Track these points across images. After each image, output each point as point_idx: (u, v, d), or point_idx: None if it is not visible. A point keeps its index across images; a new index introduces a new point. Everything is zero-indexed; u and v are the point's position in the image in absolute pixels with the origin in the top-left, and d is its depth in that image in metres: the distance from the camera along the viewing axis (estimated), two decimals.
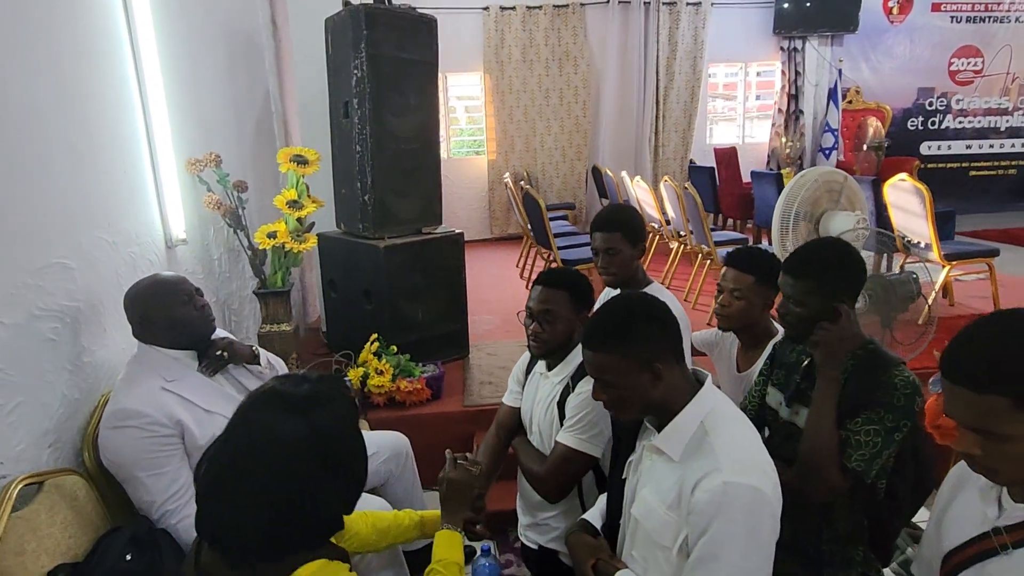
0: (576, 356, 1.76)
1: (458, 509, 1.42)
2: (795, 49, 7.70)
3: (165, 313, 1.68)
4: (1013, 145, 8.50)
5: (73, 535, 1.43)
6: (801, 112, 7.79)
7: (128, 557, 1.37)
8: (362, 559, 1.78)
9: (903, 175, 3.85)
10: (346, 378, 2.87)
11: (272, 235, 2.61)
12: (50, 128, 1.63)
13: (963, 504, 1.08)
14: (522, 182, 6.05)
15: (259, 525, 0.95)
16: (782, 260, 1.58)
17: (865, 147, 7.24)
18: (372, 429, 2.45)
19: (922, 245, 3.86)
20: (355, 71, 2.99)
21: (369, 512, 1.49)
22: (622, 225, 2.01)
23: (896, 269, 3.77)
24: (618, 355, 1.17)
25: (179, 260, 2.35)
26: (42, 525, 1.36)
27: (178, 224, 2.31)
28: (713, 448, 1.12)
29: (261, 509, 0.94)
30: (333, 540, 1.10)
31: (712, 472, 1.09)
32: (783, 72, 7.75)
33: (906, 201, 3.82)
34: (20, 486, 1.34)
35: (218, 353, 1.79)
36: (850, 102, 7.90)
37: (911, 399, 1.34)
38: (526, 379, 1.93)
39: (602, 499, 1.50)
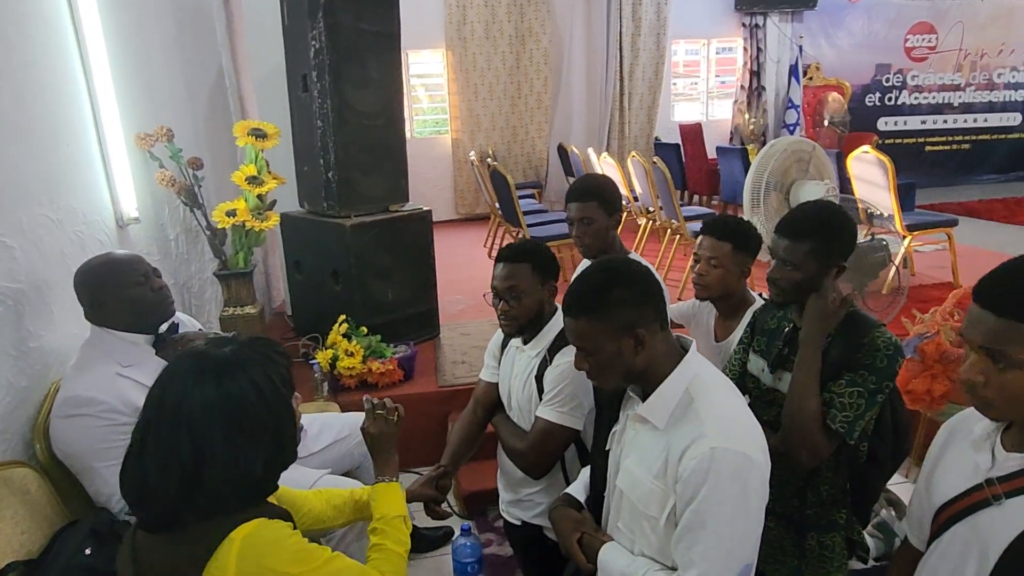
0: (552, 328, 1.72)
1: (389, 459, 1.39)
2: (756, 26, 7.76)
3: (119, 294, 1.57)
4: (966, 120, 8.76)
5: (26, 530, 1.34)
6: (763, 89, 7.87)
7: (88, 551, 1.29)
8: (342, 539, 1.73)
9: (866, 147, 3.90)
10: (314, 361, 2.79)
11: (231, 213, 2.50)
12: None
13: (954, 458, 1.08)
14: (488, 159, 5.96)
15: (169, 488, 0.94)
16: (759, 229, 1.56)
17: (827, 122, 7.35)
18: (344, 412, 2.38)
19: (885, 216, 3.92)
20: (313, 42, 2.87)
21: (324, 489, 1.45)
22: (597, 194, 1.97)
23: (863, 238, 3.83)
24: (599, 322, 1.13)
25: (132, 240, 2.22)
26: None
27: (129, 202, 2.18)
28: (699, 414, 1.10)
29: (171, 472, 0.94)
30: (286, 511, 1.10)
31: (699, 438, 1.07)
32: (745, 49, 7.81)
33: (869, 173, 3.88)
34: None
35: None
36: (810, 79, 8.01)
37: (893, 360, 1.34)
38: (502, 354, 1.89)
39: (585, 472, 1.47)
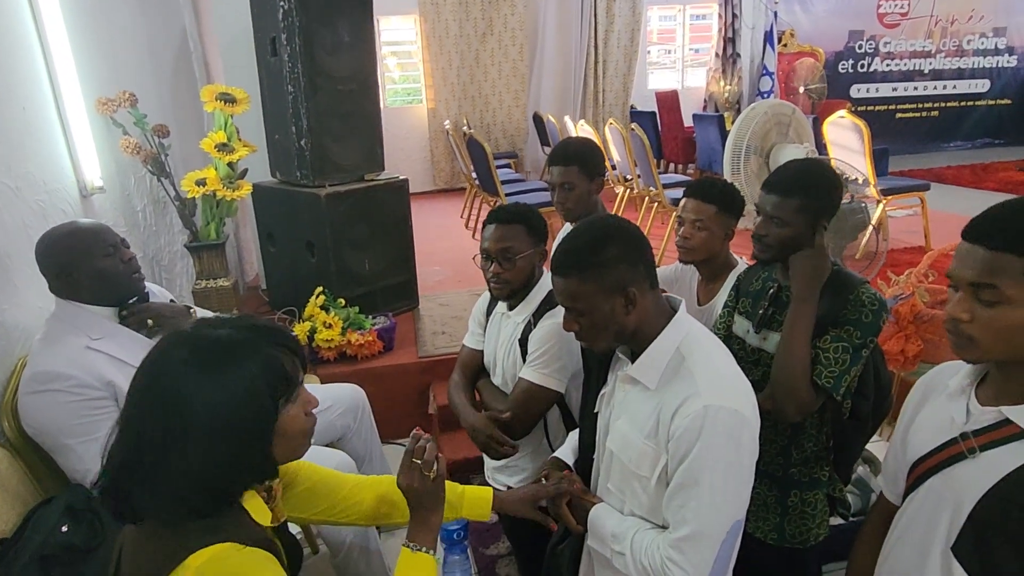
0: (538, 293, 1.70)
1: (426, 521, 1.10)
2: None
3: (87, 266, 1.50)
4: (936, 87, 8.86)
5: None
6: (738, 56, 7.84)
7: (64, 528, 1.25)
8: (347, 554, 1.70)
9: (842, 112, 3.92)
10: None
11: (201, 183, 2.41)
12: None
13: (930, 413, 1.09)
14: (464, 128, 5.87)
15: (133, 467, 0.83)
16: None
17: (803, 89, 7.36)
18: (323, 384, 2.35)
19: (860, 181, 3.96)
20: (281, 3, 2.75)
21: (375, 480, 1.29)
22: (578, 158, 1.94)
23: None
24: (591, 281, 1.10)
25: (97, 210, 2.14)
26: None
27: (93, 171, 2.09)
28: (691, 373, 1.09)
29: (137, 450, 0.83)
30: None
31: (692, 396, 1.06)
32: (720, 15, 7.74)
33: (845, 138, 3.90)
34: None
35: (146, 322, 1.63)
36: (785, 45, 8.00)
37: (878, 315, 1.35)
38: (487, 320, 1.87)
39: (573, 436, 1.46)
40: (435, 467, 1.10)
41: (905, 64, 8.70)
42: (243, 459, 0.87)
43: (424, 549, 1.07)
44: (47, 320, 1.54)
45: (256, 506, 0.95)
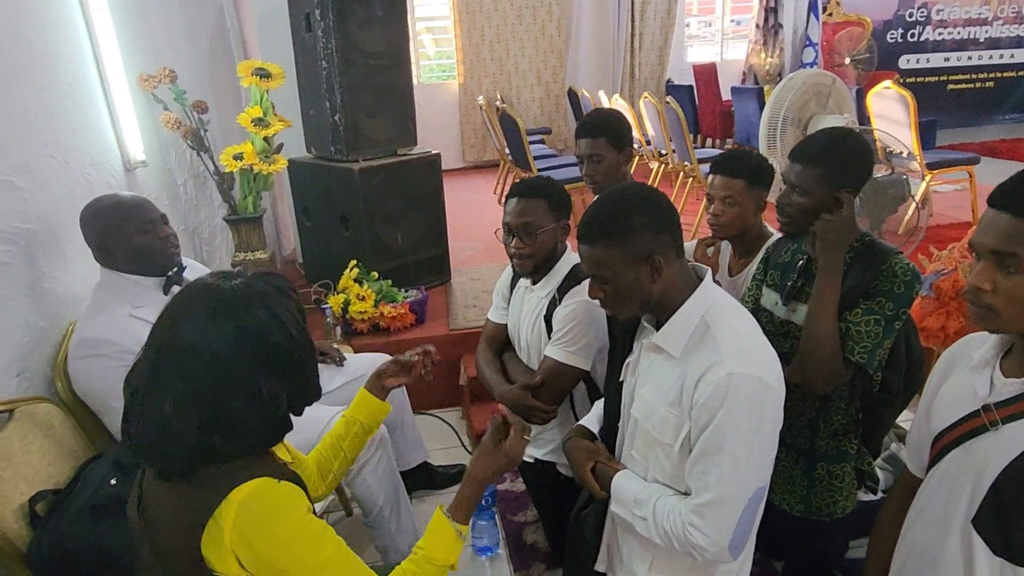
0: (562, 268, 1.71)
1: (473, 495, 1.14)
2: None
3: (124, 241, 1.56)
4: (991, 57, 8.42)
5: (52, 463, 1.38)
6: (780, 26, 7.57)
7: (112, 481, 1.33)
8: (356, 475, 1.76)
9: (887, 82, 3.77)
10: (326, 306, 2.80)
11: (239, 156, 2.46)
12: None
13: (953, 386, 1.08)
14: (498, 103, 5.84)
15: (189, 429, 0.87)
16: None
17: (848, 60, 7.07)
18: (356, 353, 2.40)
19: (904, 155, 3.82)
20: None
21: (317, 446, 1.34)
22: (606, 129, 1.92)
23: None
24: (617, 248, 1.11)
25: (140, 184, 2.21)
26: (16, 453, 1.30)
27: (136, 145, 2.16)
28: (716, 341, 1.09)
29: (191, 413, 0.87)
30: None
31: (716, 364, 1.06)
32: None
33: (890, 109, 3.76)
34: None
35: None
36: (830, 14, 7.68)
37: (911, 286, 1.32)
38: (511, 294, 1.88)
39: (598, 405, 1.48)
40: (516, 448, 1.15)
41: (959, 32, 8.28)
42: (306, 381, 0.97)
43: (457, 524, 1.10)
44: (94, 288, 1.61)
45: (278, 448, 1.04)
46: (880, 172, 2.59)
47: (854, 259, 1.39)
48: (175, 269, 1.68)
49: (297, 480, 0.99)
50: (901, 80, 7.50)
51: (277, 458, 1.03)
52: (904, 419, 2.16)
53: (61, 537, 1.22)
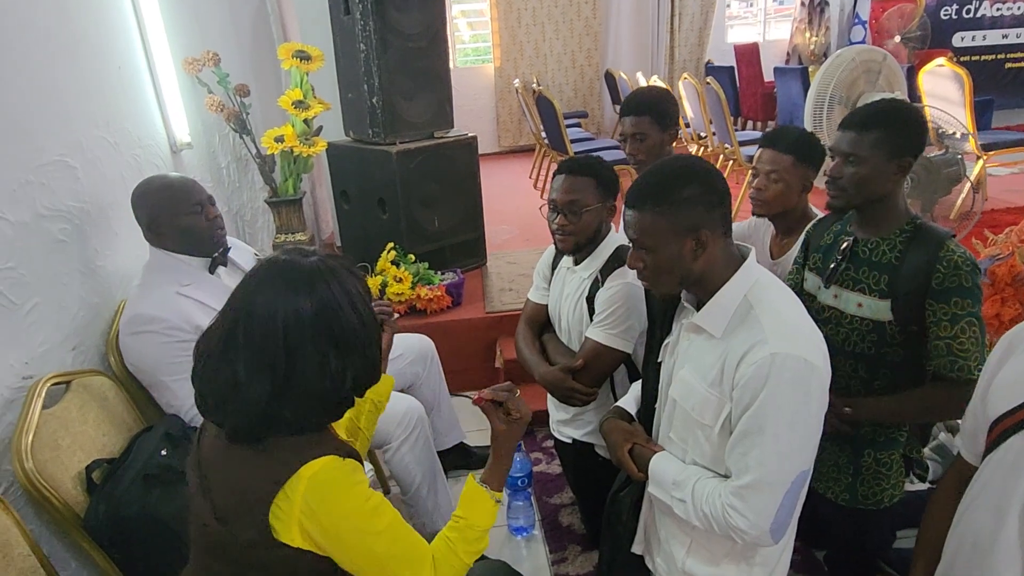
0: (605, 249, 1.69)
1: (501, 463, 1.21)
2: None
3: (173, 221, 1.60)
4: None
5: (106, 433, 1.43)
6: (826, 4, 7.32)
7: (163, 452, 1.37)
8: (395, 452, 1.79)
9: (941, 59, 3.61)
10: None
11: (279, 139, 2.50)
12: (37, 20, 1.52)
13: (1012, 371, 1.03)
14: (534, 86, 5.79)
15: (260, 394, 0.91)
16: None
17: (899, 38, 6.78)
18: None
19: (957, 136, 3.67)
20: None
21: None
22: (652, 108, 1.89)
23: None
24: (665, 217, 1.09)
25: (186, 166, 2.26)
26: (74, 422, 1.36)
27: (181, 128, 2.21)
28: (759, 321, 1.07)
29: (263, 378, 0.91)
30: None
31: (759, 344, 1.04)
32: None
33: (944, 88, 3.60)
34: (48, 385, 1.33)
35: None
36: None
37: (975, 274, 1.28)
38: (552, 274, 1.87)
39: (635, 386, 1.46)
40: (520, 409, 1.20)
41: (1019, 7, 7.86)
42: (371, 359, 1.00)
43: (490, 489, 1.16)
44: (144, 267, 1.66)
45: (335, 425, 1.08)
46: (932, 152, 2.49)
47: (907, 245, 1.34)
48: (221, 250, 1.72)
49: (356, 456, 1.03)
50: (955, 58, 7.19)
51: (337, 435, 1.07)
52: None
53: (116, 504, 1.27)
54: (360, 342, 0.97)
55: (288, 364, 0.91)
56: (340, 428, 1.32)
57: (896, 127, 1.33)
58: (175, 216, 1.60)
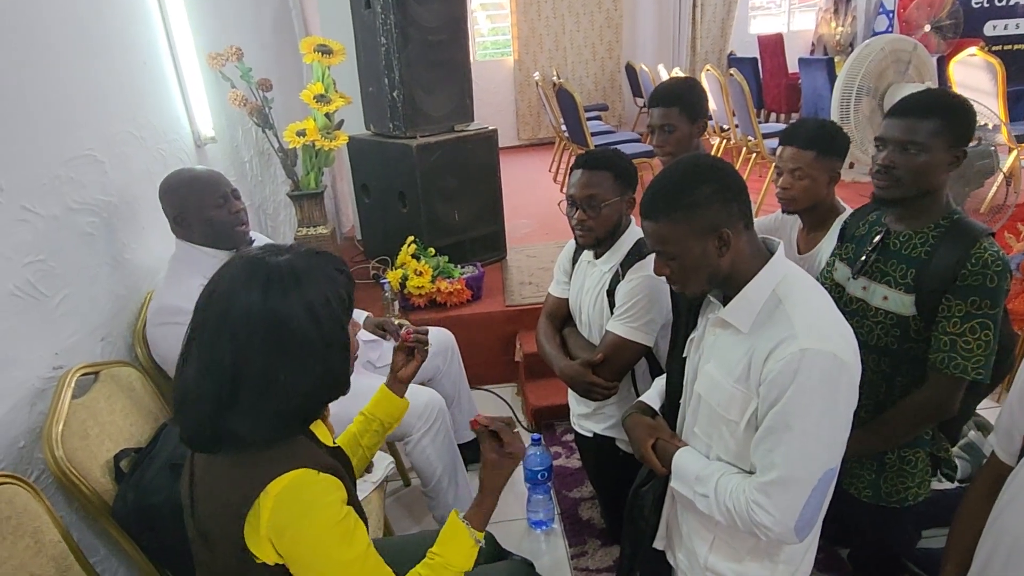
0: (625, 242, 1.68)
1: (484, 501, 1.11)
2: None
3: (199, 214, 1.62)
4: None
5: (134, 423, 1.46)
6: None
7: None
8: (415, 445, 1.80)
9: (973, 49, 3.52)
10: (384, 281, 2.85)
11: (301, 133, 2.52)
12: (76, 16, 1.55)
13: None
14: (554, 78, 5.76)
15: (205, 399, 0.86)
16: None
17: (928, 27, 6.61)
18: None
19: (989, 127, 3.57)
20: None
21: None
22: (680, 99, 1.86)
23: None
24: (683, 222, 1.07)
25: (210, 160, 2.29)
26: (102, 412, 1.38)
27: (205, 122, 2.24)
28: (788, 316, 1.05)
29: (208, 382, 0.86)
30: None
31: (787, 339, 1.02)
32: None
33: (975, 78, 3.51)
34: (77, 375, 1.35)
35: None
36: None
37: (1003, 277, 1.24)
38: (573, 268, 1.86)
39: (659, 381, 1.45)
40: (515, 444, 1.12)
41: None
42: (331, 374, 0.93)
43: (471, 527, 1.08)
44: (170, 260, 1.68)
45: (320, 430, 1.03)
46: None
47: (940, 238, 1.31)
48: (244, 243, 1.74)
49: (339, 466, 0.97)
50: (987, 47, 7.00)
51: (319, 444, 1.00)
52: (982, 407, 2.04)
53: (144, 492, 1.29)
54: (315, 354, 0.89)
55: (234, 368, 0.86)
56: (343, 444, 1.26)
57: (956, 116, 1.28)
58: (202, 208, 1.62)
